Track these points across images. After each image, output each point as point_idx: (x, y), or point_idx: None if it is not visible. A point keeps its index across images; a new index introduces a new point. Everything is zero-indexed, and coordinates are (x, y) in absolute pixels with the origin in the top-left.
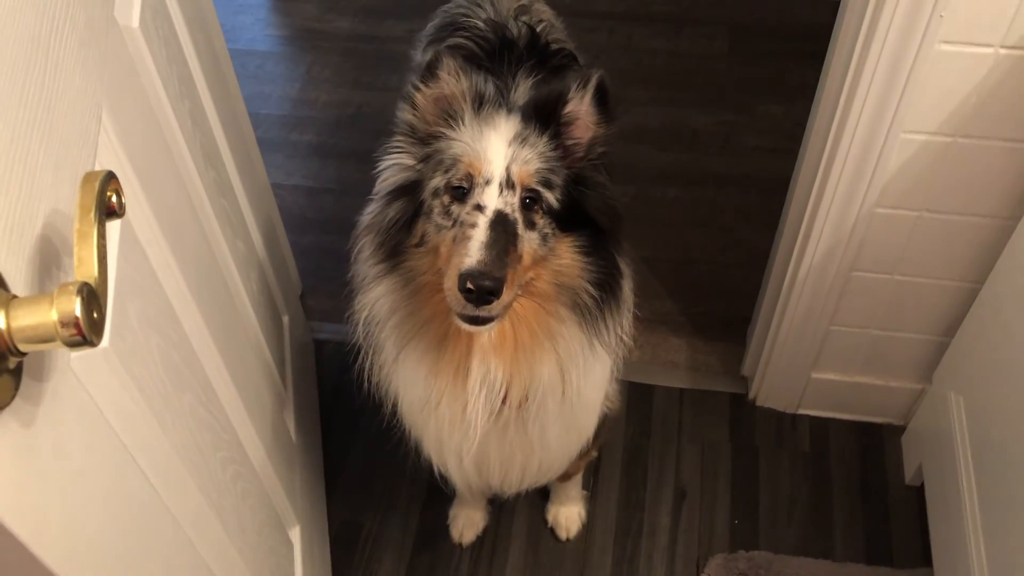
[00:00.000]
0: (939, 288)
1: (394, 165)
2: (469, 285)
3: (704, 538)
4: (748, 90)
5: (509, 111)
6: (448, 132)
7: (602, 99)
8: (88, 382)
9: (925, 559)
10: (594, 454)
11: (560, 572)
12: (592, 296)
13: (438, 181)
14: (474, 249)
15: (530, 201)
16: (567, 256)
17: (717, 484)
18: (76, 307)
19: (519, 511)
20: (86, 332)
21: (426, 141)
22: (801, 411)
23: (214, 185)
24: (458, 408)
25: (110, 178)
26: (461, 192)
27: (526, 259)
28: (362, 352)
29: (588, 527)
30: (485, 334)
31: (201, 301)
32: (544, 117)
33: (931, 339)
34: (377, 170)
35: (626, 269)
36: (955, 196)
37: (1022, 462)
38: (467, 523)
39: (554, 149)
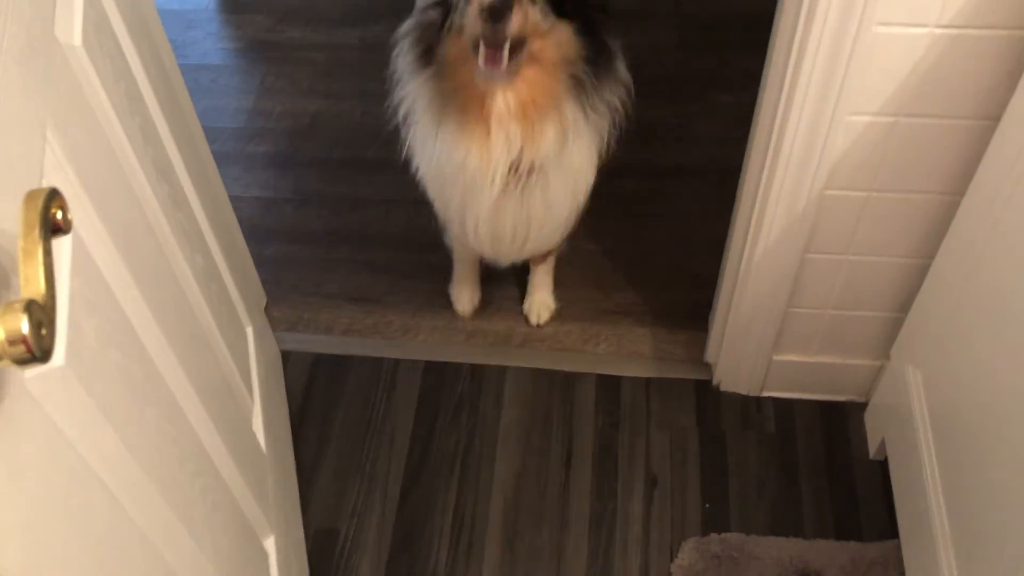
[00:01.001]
0: (891, 265)
1: None
2: (487, 6)
3: (677, 524)
4: (699, 81)
5: None
6: None
7: None
8: (46, 402)
9: (892, 532)
10: (563, 244)
11: (537, 565)
12: (586, 71)
13: None
14: None
15: None
16: (565, 34)
17: (687, 470)
18: (23, 324)
19: (494, 498)
20: (34, 349)
21: None
22: (765, 393)
23: (169, 199)
24: (485, 168)
25: (54, 195)
26: None
27: (530, 18)
28: (401, 138)
29: (563, 520)
30: (508, 96)
31: (161, 315)
32: None
33: (887, 316)
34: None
35: (617, 51)
36: (901, 175)
37: (979, 431)
38: (468, 300)
39: None
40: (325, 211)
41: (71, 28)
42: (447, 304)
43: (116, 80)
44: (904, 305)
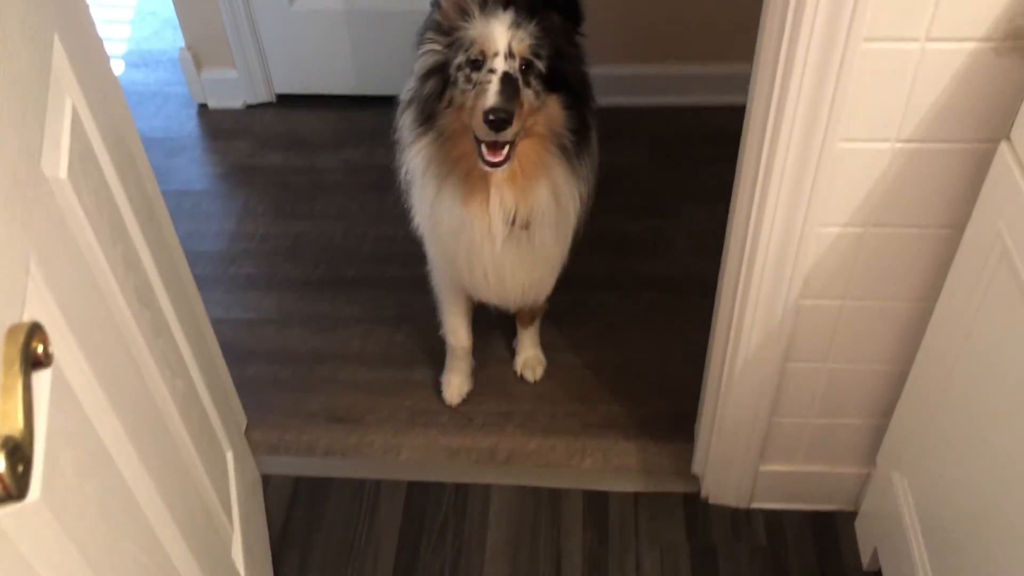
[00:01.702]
0: (871, 373)
1: (427, 52)
2: (491, 116)
3: None
4: (672, 194)
5: (506, 7)
6: (464, 24)
7: (572, 7)
8: (17, 538)
9: None
10: (547, 304)
11: None
12: (571, 140)
13: (460, 58)
14: (492, 94)
15: (526, 67)
16: (554, 108)
17: None
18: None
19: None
20: (11, 488)
21: (449, 33)
22: (755, 505)
23: (150, 326)
24: (484, 227)
25: (35, 330)
26: (478, 64)
27: (525, 106)
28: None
29: None
30: (498, 171)
31: (140, 444)
32: (531, 10)
33: (870, 422)
34: (417, 54)
35: (593, 123)
36: (874, 283)
37: (969, 539)
38: (456, 390)
39: (540, 31)
40: (306, 331)
41: (57, 161)
42: (430, 422)
43: (100, 210)
44: (886, 411)
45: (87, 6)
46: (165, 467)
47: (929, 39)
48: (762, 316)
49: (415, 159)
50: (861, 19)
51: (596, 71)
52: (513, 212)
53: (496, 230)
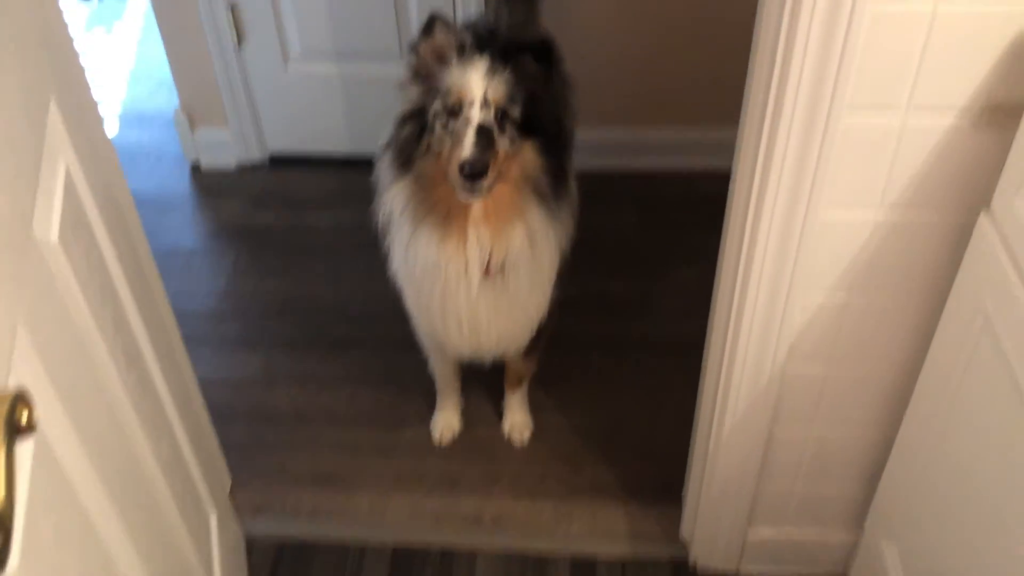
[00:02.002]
0: (858, 438)
1: (406, 97)
2: (466, 169)
3: None
4: (660, 257)
5: (482, 53)
6: (441, 71)
7: (544, 52)
8: None
9: None
10: (535, 366)
11: None
12: (547, 184)
13: (437, 105)
14: (468, 145)
15: (501, 115)
16: (529, 153)
17: None
18: None
19: None
20: None
21: (427, 79)
22: (743, 570)
23: (137, 388)
24: (460, 268)
25: (19, 399)
26: (455, 111)
27: (501, 154)
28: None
29: None
30: (478, 208)
31: (122, 509)
32: (506, 57)
33: (858, 488)
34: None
35: (571, 168)
36: (858, 351)
37: None
38: (446, 427)
39: (515, 78)
40: (293, 391)
41: (49, 224)
42: (416, 484)
43: (91, 273)
44: (874, 477)
45: (83, 70)
46: (147, 531)
47: (910, 112)
48: (749, 381)
49: (393, 201)
50: (843, 89)
51: (587, 134)
52: (488, 255)
53: (472, 273)
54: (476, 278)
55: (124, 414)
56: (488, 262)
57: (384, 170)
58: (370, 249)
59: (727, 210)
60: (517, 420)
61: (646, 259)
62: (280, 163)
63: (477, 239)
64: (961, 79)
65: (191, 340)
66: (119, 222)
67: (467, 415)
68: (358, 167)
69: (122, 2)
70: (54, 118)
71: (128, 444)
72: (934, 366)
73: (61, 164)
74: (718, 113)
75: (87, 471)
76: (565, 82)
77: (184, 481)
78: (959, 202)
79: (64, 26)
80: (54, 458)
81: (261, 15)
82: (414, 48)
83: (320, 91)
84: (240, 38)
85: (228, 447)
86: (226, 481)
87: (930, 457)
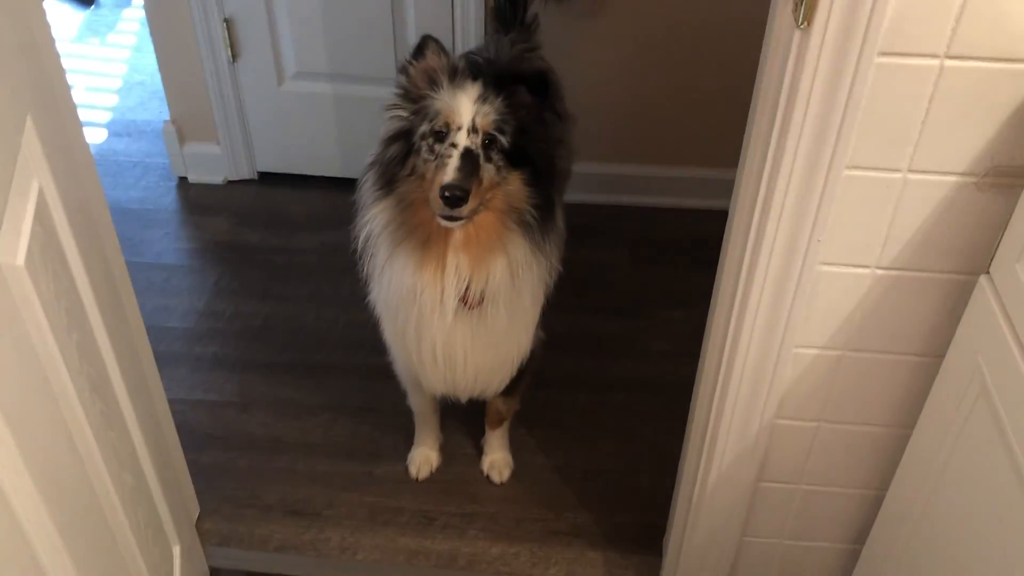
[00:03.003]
0: (845, 496)
1: (393, 117)
2: (447, 193)
3: None
4: (650, 297)
5: (475, 79)
6: (432, 93)
7: (539, 84)
8: None
9: None
10: (517, 405)
11: None
12: (533, 216)
13: (425, 128)
14: (451, 170)
15: (489, 142)
16: (515, 184)
17: None
18: None
19: None
20: None
21: (416, 100)
22: None
23: (101, 418)
24: (436, 295)
25: None
26: (441, 135)
27: (485, 182)
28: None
29: None
30: (459, 235)
31: (75, 551)
32: (499, 85)
33: (844, 548)
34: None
35: (559, 201)
36: (850, 407)
37: None
38: (423, 461)
39: (506, 106)
40: (268, 417)
41: (15, 247)
42: (390, 520)
43: (58, 298)
44: (860, 537)
45: (67, 85)
46: (100, 566)
47: (911, 171)
48: (737, 433)
49: (373, 220)
50: (844, 148)
51: (584, 169)
52: (466, 284)
53: (448, 301)
54: (452, 307)
55: (84, 446)
56: (466, 292)
57: (367, 189)
58: (354, 274)
59: (721, 260)
60: (497, 459)
61: (637, 297)
62: (269, 180)
63: (456, 267)
64: (966, 140)
65: (167, 359)
66: (94, 243)
67: (446, 450)
68: (348, 188)
69: (117, 11)
70: (30, 137)
71: (86, 477)
72: (926, 429)
73: (34, 184)
74: (716, 154)
75: (37, 508)
76: (564, 117)
77: (147, 513)
78: (959, 263)
79: (49, 41)
80: (3, 495)
81: (257, 32)
82: (404, 68)
83: (313, 111)
84: (235, 54)
85: (198, 472)
86: (194, 510)
87: (918, 519)
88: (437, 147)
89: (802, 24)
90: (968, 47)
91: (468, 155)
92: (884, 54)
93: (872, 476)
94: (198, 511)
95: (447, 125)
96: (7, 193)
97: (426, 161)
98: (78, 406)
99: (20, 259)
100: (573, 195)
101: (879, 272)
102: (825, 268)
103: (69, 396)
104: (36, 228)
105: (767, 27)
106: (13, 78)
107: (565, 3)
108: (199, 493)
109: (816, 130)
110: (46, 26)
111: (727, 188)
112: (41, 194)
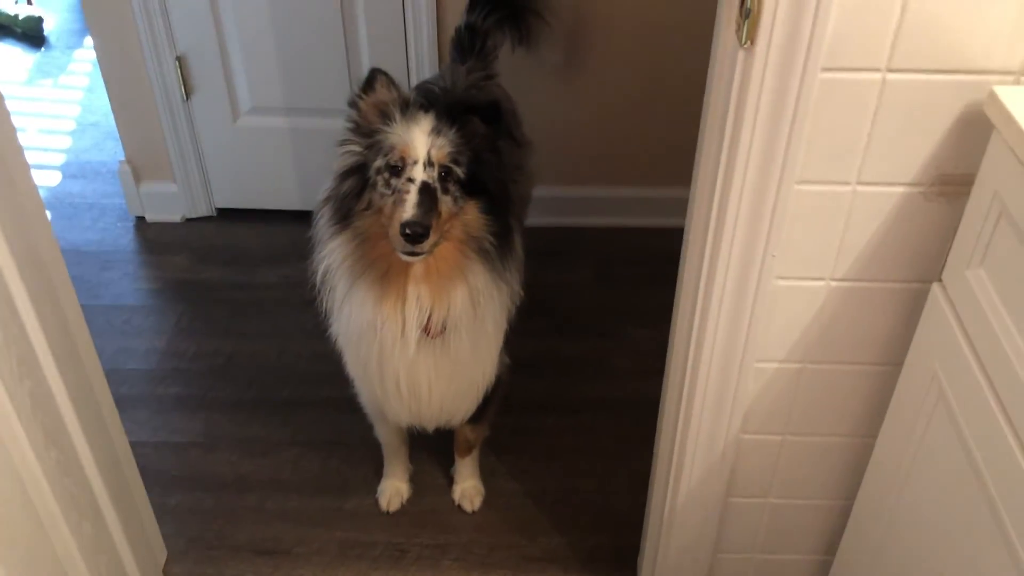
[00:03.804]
0: (814, 508)
1: (346, 152)
2: (408, 231)
3: None
4: (614, 316)
5: (427, 111)
6: (384, 127)
7: (492, 113)
8: None
9: None
10: (486, 432)
11: None
12: (492, 243)
13: (380, 162)
14: (410, 206)
15: (445, 174)
16: (472, 213)
17: None
18: None
19: None
20: None
21: (368, 134)
22: None
23: (57, 467)
24: (397, 328)
25: None
26: (397, 169)
27: (444, 214)
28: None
29: None
30: (419, 267)
31: None
32: (452, 116)
33: (815, 559)
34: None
35: (516, 227)
36: (813, 419)
37: None
38: (393, 493)
39: (460, 137)
40: (235, 455)
41: None
42: (362, 554)
43: (7, 346)
44: (831, 547)
45: (12, 128)
46: None
47: (860, 183)
48: (703, 448)
49: (331, 255)
50: (793, 163)
51: (543, 192)
52: (428, 315)
53: (409, 332)
54: (414, 338)
55: (39, 496)
56: (428, 323)
57: (322, 225)
58: (318, 307)
59: (679, 276)
60: (468, 487)
61: (601, 317)
62: (227, 216)
63: (416, 299)
64: (912, 151)
65: (128, 401)
66: (45, 288)
67: (416, 481)
68: (307, 221)
69: (68, 52)
70: None
71: (41, 529)
72: (889, 437)
73: None
74: (675, 173)
75: None
76: (522, 143)
77: (110, 562)
78: (911, 272)
79: None
80: None
81: (210, 69)
82: (354, 102)
83: (270, 146)
84: (188, 91)
85: (165, 515)
86: (161, 555)
87: (886, 527)
88: (393, 181)
89: (745, 43)
90: (908, 60)
91: (426, 189)
92: (827, 69)
93: (839, 486)
94: (165, 555)
95: (402, 159)
96: None
97: (383, 196)
98: (31, 455)
99: None
100: (536, 219)
101: (834, 284)
102: (781, 282)
103: (22, 447)
104: None
105: (712, 47)
106: None
107: (534, 50)
108: (166, 537)
109: (764, 146)
110: None
111: (684, 206)
112: None
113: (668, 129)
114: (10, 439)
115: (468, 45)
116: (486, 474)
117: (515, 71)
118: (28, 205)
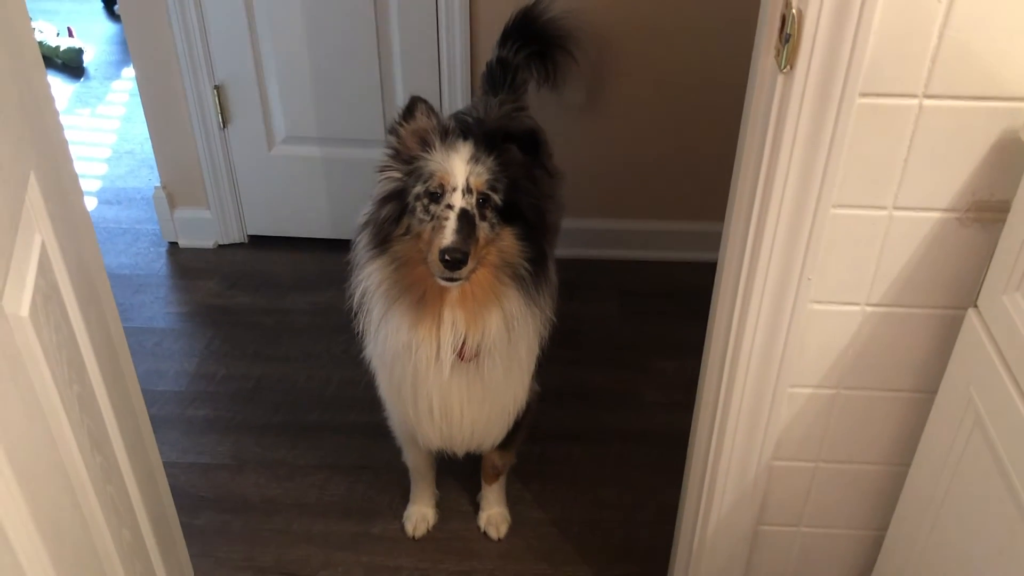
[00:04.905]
0: (845, 537)
1: (386, 178)
2: (447, 257)
3: None
4: (642, 348)
5: (466, 139)
6: (424, 154)
7: (530, 142)
8: None
9: None
10: (513, 459)
11: None
12: (527, 269)
13: (419, 188)
14: (449, 233)
15: (483, 201)
16: (508, 239)
17: None
18: None
19: None
20: None
21: (408, 161)
22: None
23: (101, 471)
24: (432, 351)
25: None
26: (436, 196)
27: (481, 240)
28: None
29: None
30: (455, 291)
31: None
32: (490, 144)
33: None
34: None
35: (551, 254)
36: (847, 445)
37: None
38: (420, 519)
39: (498, 165)
40: (262, 478)
41: (20, 298)
42: None
43: (60, 349)
44: None
45: (66, 144)
46: None
47: (896, 208)
48: (735, 477)
49: (368, 279)
50: (830, 187)
51: (571, 224)
52: (462, 339)
53: (444, 356)
54: (448, 363)
55: (86, 499)
56: (462, 347)
57: (361, 249)
58: (346, 333)
59: (713, 303)
60: (494, 514)
61: (629, 349)
62: (259, 243)
63: (452, 323)
64: (947, 176)
65: (159, 422)
66: (92, 298)
67: (442, 507)
68: (338, 249)
69: (106, 83)
70: (33, 193)
71: (87, 530)
72: (924, 463)
73: (37, 238)
74: (701, 208)
75: (40, 555)
76: (553, 173)
77: (144, 570)
78: (947, 298)
79: (49, 98)
80: (9, 546)
81: (247, 98)
82: (394, 129)
83: (303, 175)
84: (225, 120)
85: (192, 535)
86: (188, 573)
87: (919, 557)
88: (432, 208)
89: (785, 68)
90: (945, 86)
91: (464, 216)
92: (865, 95)
93: (872, 515)
94: (192, 575)
95: (442, 186)
96: (12, 244)
97: (421, 221)
98: (79, 459)
99: (24, 310)
100: (562, 250)
101: (869, 309)
102: (816, 307)
103: (71, 448)
104: (39, 280)
105: (750, 72)
106: (17, 133)
107: (559, 89)
108: (193, 557)
109: (802, 169)
110: (46, 85)
111: (712, 240)
112: (43, 248)
113: (691, 166)
114: (61, 441)
115: (500, 78)
116: (512, 502)
117: (541, 106)
118: (79, 221)
